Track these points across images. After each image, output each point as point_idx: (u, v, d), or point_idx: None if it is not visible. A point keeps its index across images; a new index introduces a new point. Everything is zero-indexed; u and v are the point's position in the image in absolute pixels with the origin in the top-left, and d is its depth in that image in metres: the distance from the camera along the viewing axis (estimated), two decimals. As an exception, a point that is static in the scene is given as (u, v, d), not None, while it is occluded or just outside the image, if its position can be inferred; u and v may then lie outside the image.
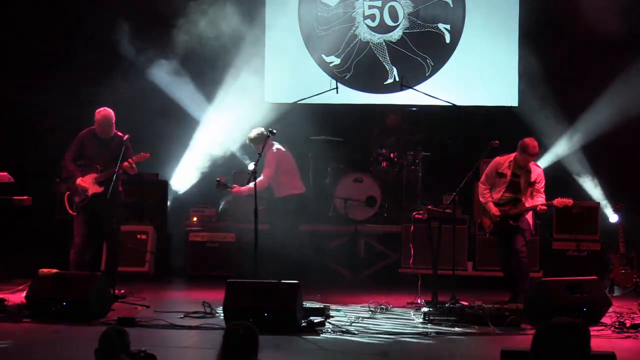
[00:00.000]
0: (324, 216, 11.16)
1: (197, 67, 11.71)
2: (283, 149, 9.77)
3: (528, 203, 8.74)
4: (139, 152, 8.93)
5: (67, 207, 8.97)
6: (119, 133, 9.05)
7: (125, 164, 8.71)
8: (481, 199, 9.00)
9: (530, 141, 8.73)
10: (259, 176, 9.04)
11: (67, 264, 9.02)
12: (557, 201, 8.69)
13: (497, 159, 8.98)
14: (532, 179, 8.73)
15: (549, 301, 7.86)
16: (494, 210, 8.79)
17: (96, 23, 11.56)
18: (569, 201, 8.69)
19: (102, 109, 8.99)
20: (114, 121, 8.98)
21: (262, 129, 9.70)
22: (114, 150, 8.91)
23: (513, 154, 8.84)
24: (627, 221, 10.16)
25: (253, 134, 9.72)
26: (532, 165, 8.80)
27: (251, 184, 9.50)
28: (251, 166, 9.56)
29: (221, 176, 9.67)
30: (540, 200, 8.72)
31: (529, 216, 8.87)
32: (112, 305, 8.40)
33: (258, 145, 9.53)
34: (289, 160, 9.80)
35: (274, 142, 9.65)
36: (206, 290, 9.40)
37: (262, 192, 9.29)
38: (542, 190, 8.78)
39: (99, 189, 8.85)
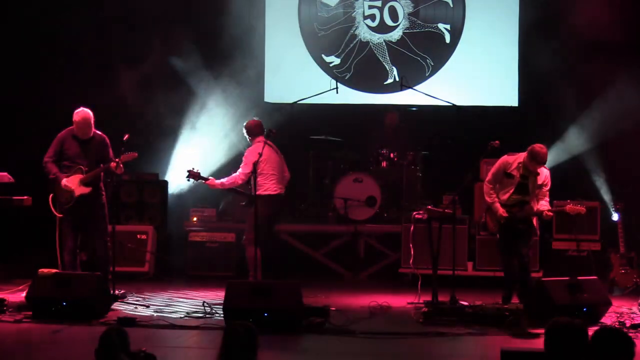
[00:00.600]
0: (324, 216, 11.16)
1: (196, 67, 11.71)
2: (269, 149, 9.43)
3: (535, 207, 8.66)
4: (131, 151, 8.88)
5: (52, 209, 8.94)
6: (98, 132, 9.02)
7: (113, 164, 8.69)
8: (487, 199, 8.85)
9: (540, 149, 8.52)
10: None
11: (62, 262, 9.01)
12: (569, 208, 8.63)
13: (506, 158, 8.82)
14: (540, 182, 8.66)
15: (549, 301, 7.86)
16: (501, 211, 8.67)
17: (95, 24, 11.58)
18: (581, 209, 8.64)
19: (80, 109, 8.94)
20: (92, 122, 8.93)
21: (251, 121, 9.59)
22: (95, 150, 8.91)
23: (522, 154, 8.69)
24: (627, 221, 10.16)
25: (245, 124, 9.62)
26: (540, 167, 8.72)
27: (224, 179, 9.43)
28: None
29: (193, 167, 9.52)
30: (545, 205, 8.65)
31: (535, 219, 8.83)
32: (112, 305, 8.39)
33: (250, 137, 9.47)
34: (268, 161, 9.39)
35: (261, 138, 9.38)
36: (206, 290, 9.40)
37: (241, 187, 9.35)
38: (547, 193, 8.71)
39: (86, 190, 8.82)
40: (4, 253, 10.35)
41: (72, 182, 8.82)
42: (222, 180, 9.45)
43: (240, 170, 9.34)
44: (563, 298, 7.91)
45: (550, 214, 8.64)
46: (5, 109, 11.49)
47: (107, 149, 8.89)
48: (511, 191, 8.69)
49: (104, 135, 8.99)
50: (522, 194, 8.68)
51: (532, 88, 11.49)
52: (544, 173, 8.70)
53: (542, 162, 8.59)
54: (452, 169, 10.94)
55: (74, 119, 8.91)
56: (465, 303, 8.36)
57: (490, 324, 7.78)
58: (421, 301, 8.63)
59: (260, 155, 9.01)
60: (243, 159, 9.42)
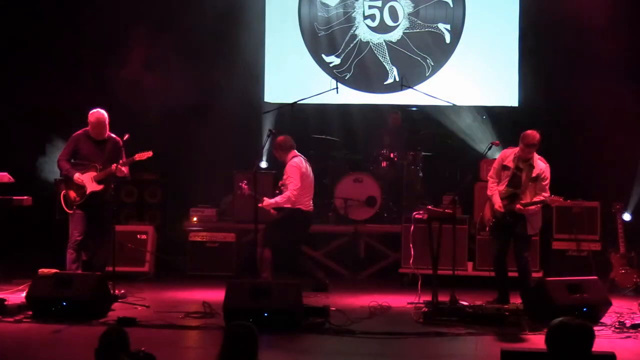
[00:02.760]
0: (324, 216, 11.15)
1: (196, 66, 11.72)
2: (303, 162, 9.65)
3: (528, 208, 8.60)
4: (141, 151, 8.92)
5: (64, 206, 8.97)
6: (113, 135, 9.06)
7: (113, 166, 8.72)
8: (488, 192, 8.85)
9: (530, 132, 8.56)
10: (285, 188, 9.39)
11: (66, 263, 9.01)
12: (549, 199, 8.55)
13: (504, 151, 8.82)
14: (534, 174, 8.60)
15: (549, 301, 7.86)
16: (498, 203, 8.64)
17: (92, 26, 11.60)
18: (558, 199, 8.60)
19: (95, 110, 8.99)
20: (107, 123, 8.98)
21: (281, 137, 9.70)
22: (109, 151, 8.94)
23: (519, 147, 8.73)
24: (627, 221, 10.16)
25: (278, 140, 9.70)
26: (536, 160, 8.65)
27: (277, 198, 9.49)
28: (263, 164, 9.63)
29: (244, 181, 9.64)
30: (538, 198, 8.60)
31: (537, 217, 8.74)
32: (112, 305, 8.39)
33: (283, 152, 9.61)
34: (308, 177, 9.66)
35: (295, 152, 9.65)
36: (206, 290, 9.40)
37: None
38: (547, 188, 8.63)
39: (98, 188, 8.86)
40: (4, 253, 10.34)
41: (85, 178, 8.86)
42: (276, 199, 9.49)
43: (290, 187, 9.44)
44: (563, 298, 7.92)
45: (520, 207, 8.54)
46: (6, 108, 11.50)
47: (120, 151, 8.91)
48: (505, 183, 8.68)
49: (118, 138, 9.03)
50: (515, 186, 8.62)
51: (532, 88, 11.49)
52: (540, 166, 8.62)
53: (528, 144, 8.52)
54: (452, 169, 10.96)
55: (88, 119, 8.99)
56: (465, 303, 8.35)
57: (490, 324, 7.78)
58: (421, 301, 8.62)
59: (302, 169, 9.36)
60: (288, 174, 9.50)
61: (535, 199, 8.51)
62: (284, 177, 9.56)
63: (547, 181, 8.63)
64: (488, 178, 8.89)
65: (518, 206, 8.48)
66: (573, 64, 11.31)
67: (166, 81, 11.56)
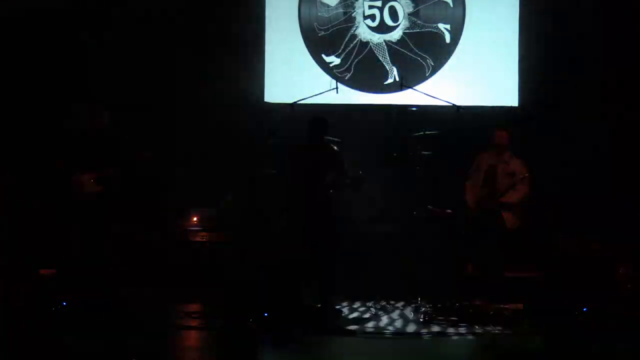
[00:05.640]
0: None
1: (196, 66, 11.72)
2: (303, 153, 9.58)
3: (504, 198, 8.59)
4: (141, 151, 8.94)
5: (63, 207, 8.98)
6: (115, 134, 9.07)
7: (110, 171, 8.73)
8: (465, 191, 8.85)
9: (497, 132, 8.65)
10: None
11: (66, 263, 9.02)
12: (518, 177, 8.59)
13: (480, 154, 8.92)
14: (510, 170, 8.60)
15: (549, 301, 7.87)
16: (472, 202, 8.66)
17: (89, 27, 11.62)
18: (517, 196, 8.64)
19: (96, 107, 9.01)
20: (107, 121, 8.98)
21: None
22: (110, 151, 8.94)
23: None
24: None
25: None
26: (512, 157, 8.66)
27: None
28: None
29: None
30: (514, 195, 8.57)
31: (514, 212, 8.72)
32: (112, 306, 8.39)
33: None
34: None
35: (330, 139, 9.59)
36: (206, 291, 9.40)
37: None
38: (523, 183, 8.61)
39: (96, 189, 8.86)
40: (4, 253, 10.34)
41: (83, 179, 8.87)
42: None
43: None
44: (563, 297, 7.91)
45: (493, 206, 8.55)
46: (6, 108, 11.50)
47: (120, 150, 8.92)
48: (481, 184, 8.69)
49: (120, 137, 9.03)
50: (491, 185, 8.64)
51: (532, 88, 11.49)
52: (515, 162, 8.64)
53: (496, 145, 8.57)
54: (452, 169, 10.94)
55: (91, 118, 8.97)
56: (466, 303, 8.36)
57: (490, 324, 7.78)
58: (421, 301, 8.63)
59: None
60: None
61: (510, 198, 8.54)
62: None
63: (524, 175, 8.64)
64: (464, 180, 8.89)
65: (491, 207, 8.52)
66: (573, 64, 11.31)
67: (166, 81, 11.57)
